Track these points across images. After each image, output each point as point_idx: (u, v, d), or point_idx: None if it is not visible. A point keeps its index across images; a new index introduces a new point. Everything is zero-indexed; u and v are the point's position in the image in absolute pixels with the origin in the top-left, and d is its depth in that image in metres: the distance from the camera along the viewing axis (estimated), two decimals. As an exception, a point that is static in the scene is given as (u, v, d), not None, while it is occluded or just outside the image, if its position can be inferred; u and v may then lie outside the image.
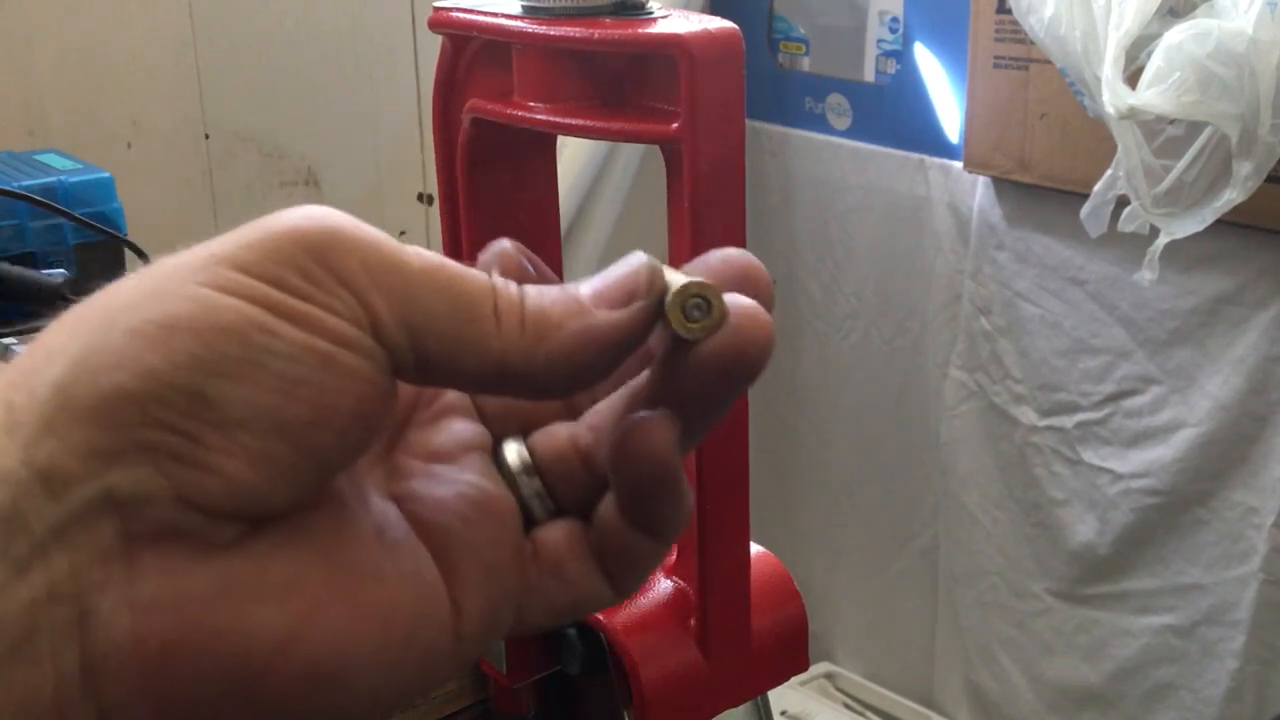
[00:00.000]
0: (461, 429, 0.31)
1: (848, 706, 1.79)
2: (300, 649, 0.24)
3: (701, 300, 0.27)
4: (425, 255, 0.26)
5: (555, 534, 0.29)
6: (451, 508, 0.28)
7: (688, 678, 0.52)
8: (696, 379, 0.27)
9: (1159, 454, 1.41)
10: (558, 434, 0.30)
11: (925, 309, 1.64)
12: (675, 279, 0.27)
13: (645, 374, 0.29)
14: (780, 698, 1.69)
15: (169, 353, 0.24)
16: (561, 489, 0.30)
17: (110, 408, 0.23)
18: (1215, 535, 1.38)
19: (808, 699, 1.76)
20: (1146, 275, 1.21)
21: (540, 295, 0.27)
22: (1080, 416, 1.48)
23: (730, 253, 0.28)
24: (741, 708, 0.56)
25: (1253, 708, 1.38)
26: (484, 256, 0.30)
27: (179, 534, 0.24)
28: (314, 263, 0.25)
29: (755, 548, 0.54)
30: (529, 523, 0.29)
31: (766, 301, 0.28)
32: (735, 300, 0.27)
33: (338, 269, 0.25)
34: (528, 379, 0.27)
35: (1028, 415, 1.53)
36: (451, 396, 0.31)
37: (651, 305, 0.27)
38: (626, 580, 0.29)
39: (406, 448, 0.30)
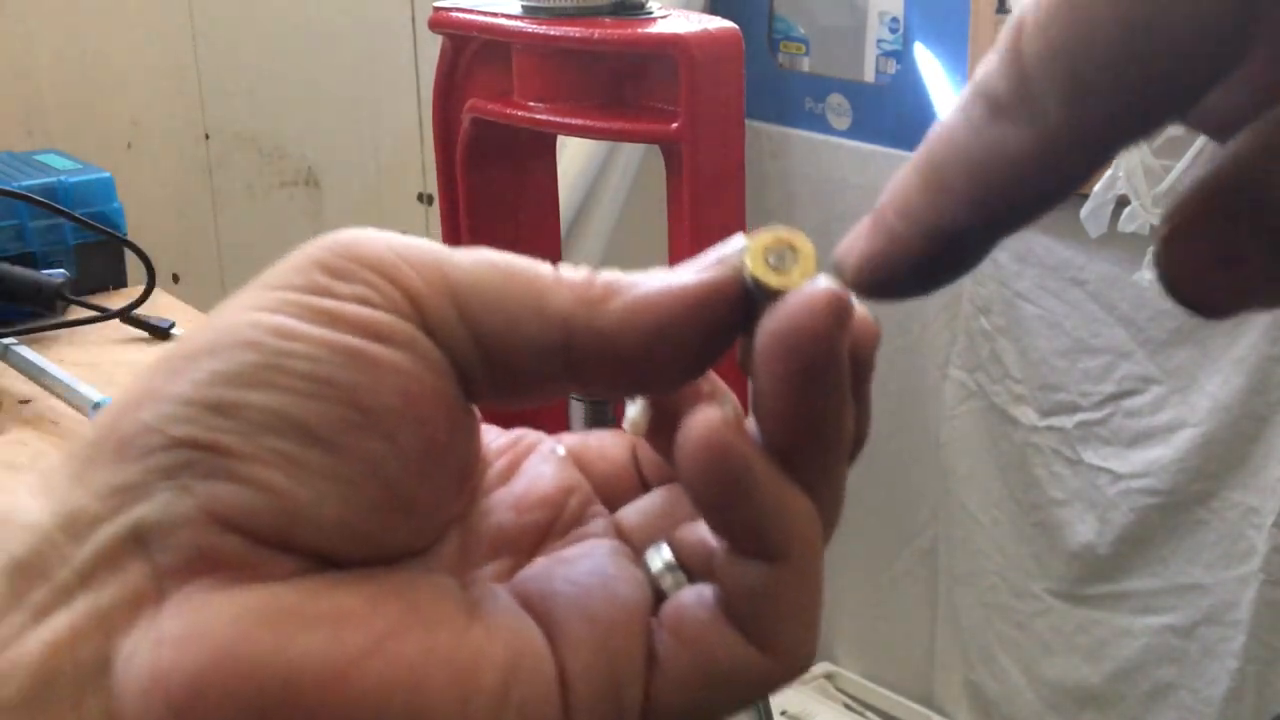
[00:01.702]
0: (599, 543, 0.27)
1: (848, 707, 1.79)
2: (359, 685, 0.21)
3: (787, 248, 0.24)
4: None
5: (681, 597, 0.25)
6: (564, 577, 0.25)
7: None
8: (760, 354, 0.23)
9: (1159, 454, 1.41)
10: (703, 532, 0.26)
11: (925, 309, 1.64)
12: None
13: None
14: (780, 698, 1.69)
15: (187, 376, 0.22)
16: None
17: (132, 442, 0.22)
18: (1215, 535, 1.38)
19: (808, 699, 1.76)
20: (1146, 275, 1.21)
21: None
22: (1080, 416, 1.48)
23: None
24: (741, 707, 0.56)
25: (1253, 708, 1.38)
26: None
27: (217, 562, 0.22)
28: (342, 257, 0.23)
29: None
30: None
31: (868, 344, 0.24)
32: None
33: (366, 257, 0.23)
34: (602, 344, 0.24)
35: (1028, 415, 1.53)
36: (593, 527, 0.28)
37: (741, 266, 0.24)
38: (768, 632, 0.24)
39: (532, 565, 0.27)
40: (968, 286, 1.56)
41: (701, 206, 0.46)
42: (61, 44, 1.35)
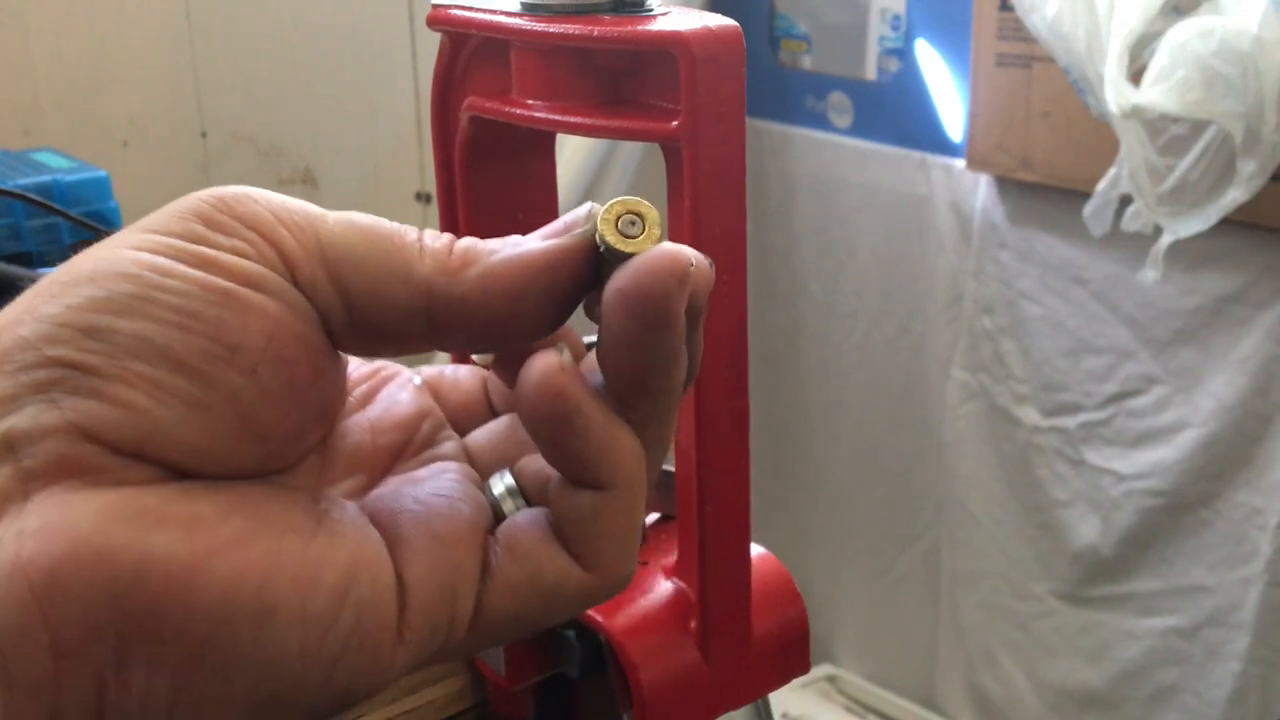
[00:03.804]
0: (447, 465, 0.30)
1: (849, 709, 1.79)
2: (206, 582, 0.23)
3: (635, 216, 0.26)
4: (340, 212, 0.26)
5: (517, 518, 0.28)
6: (411, 495, 0.28)
7: (688, 680, 0.52)
8: (607, 309, 0.26)
9: (1162, 455, 1.40)
10: (543, 463, 0.29)
11: (927, 309, 1.63)
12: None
13: None
14: (782, 700, 1.69)
15: (65, 299, 0.24)
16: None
17: (8, 356, 0.24)
18: (1219, 536, 1.38)
19: (809, 701, 1.76)
20: (1150, 274, 1.20)
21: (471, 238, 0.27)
22: (1083, 417, 1.47)
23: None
24: (742, 710, 0.56)
25: (1256, 710, 1.37)
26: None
27: (78, 468, 0.23)
28: (220, 212, 0.25)
29: (756, 549, 0.54)
30: None
31: (702, 292, 0.27)
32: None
33: (244, 215, 0.25)
34: (460, 308, 0.26)
35: (1030, 416, 1.52)
36: (443, 449, 0.31)
37: (589, 233, 0.27)
38: (591, 552, 0.27)
39: (384, 484, 0.30)
40: (970, 286, 1.56)
41: (702, 205, 0.45)
42: (58, 42, 1.35)
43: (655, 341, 0.26)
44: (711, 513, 0.49)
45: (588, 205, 0.27)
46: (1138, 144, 1.14)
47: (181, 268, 0.24)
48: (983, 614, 1.63)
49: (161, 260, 0.24)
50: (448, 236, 0.27)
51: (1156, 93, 1.08)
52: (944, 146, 1.57)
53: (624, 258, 0.26)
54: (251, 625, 0.23)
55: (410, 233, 0.27)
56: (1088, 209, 1.27)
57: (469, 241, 0.27)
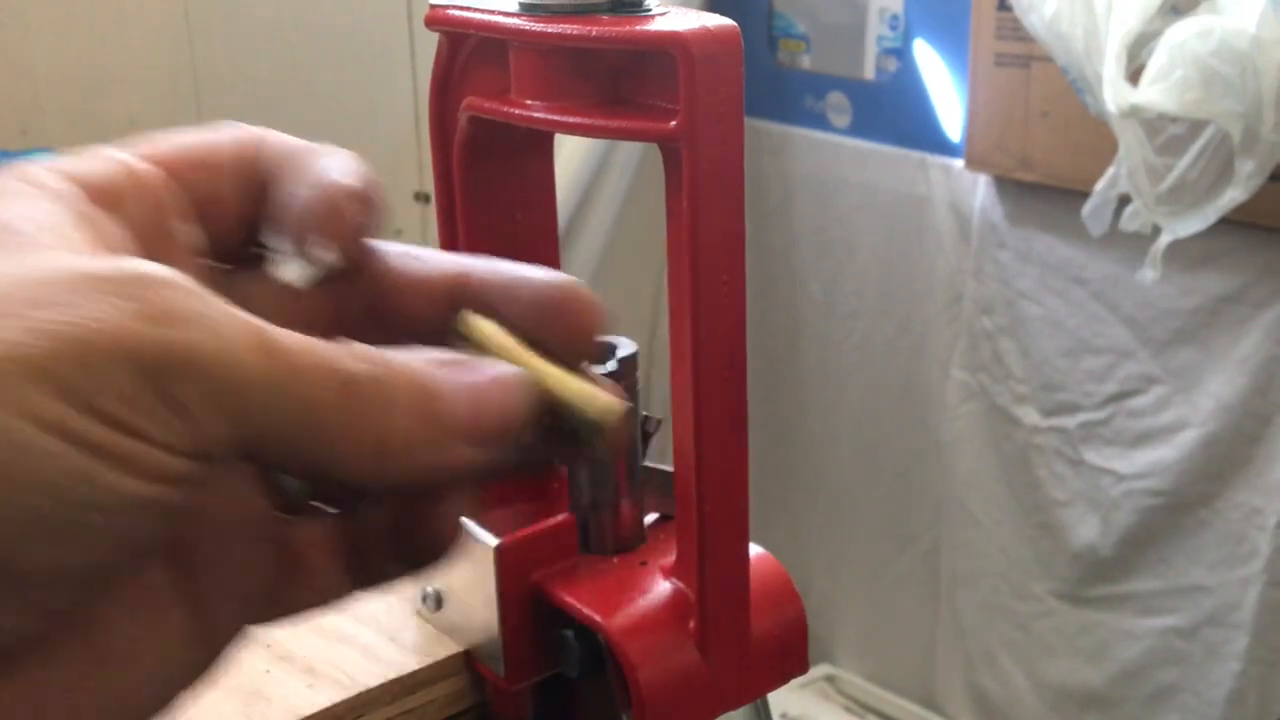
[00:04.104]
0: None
1: (848, 709, 1.79)
2: None
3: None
4: (274, 351, 0.23)
5: (311, 538, 0.27)
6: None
7: (687, 680, 0.52)
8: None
9: (1162, 454, 1.40)
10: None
11: (927, 309, 1.63)
12: (570, 384, 0.27)
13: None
14: (781, 700, 1.69)
15: None
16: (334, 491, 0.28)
17: None
18: (1218, 536, 1.38)
19: (808, 701, 1.76)
20: (1149, 274, 1.20)
21: (403, 411, 0.24)
22: (1082, 417, 1.47)
23: (543, 284, 0.28)
24: (741, 710, 0.56)
25: (1256, 710, 1.37)
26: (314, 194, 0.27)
27: None
28: (149, 391, 0.21)
29: (755, 549, 0.54)
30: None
31: (593, 326, 0.28)
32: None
33: (176, 397, 0.21)
34: (360, 490, 0.26)
35: (1030, 415, 1.53)
36: None
37: (515, 441, 0.26)
38: (371, 587, 0.28)
39: None
40: (970, 285, 1.56)
41: (701, 205, 0.45)
42: (58, 42, 1.35)
43: None
44: (710, 513, 0.49)
45: (522, 402, 0.26)
46: (1136, 144, 1.14)
47: (110, 475, 0.21)
48: (982, 614, 1.63)
49: (87, 463, 0.21)
50: (371, 421, 0.24)
51: (1155, 92, 1.08)
52: (943, 146, 1.57)
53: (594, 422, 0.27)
54: None
55: (336, 417, 0.23)
56: (1086, 209, 1.28)
57: (402, 434, 0.24)
